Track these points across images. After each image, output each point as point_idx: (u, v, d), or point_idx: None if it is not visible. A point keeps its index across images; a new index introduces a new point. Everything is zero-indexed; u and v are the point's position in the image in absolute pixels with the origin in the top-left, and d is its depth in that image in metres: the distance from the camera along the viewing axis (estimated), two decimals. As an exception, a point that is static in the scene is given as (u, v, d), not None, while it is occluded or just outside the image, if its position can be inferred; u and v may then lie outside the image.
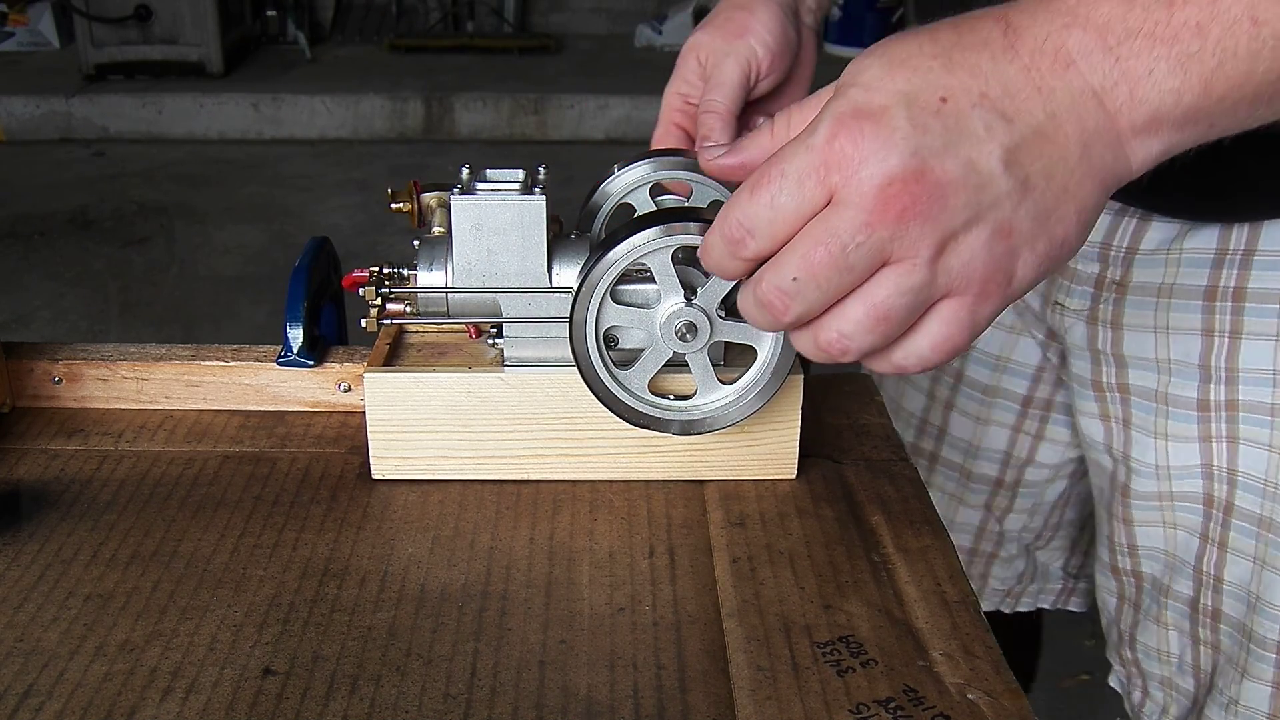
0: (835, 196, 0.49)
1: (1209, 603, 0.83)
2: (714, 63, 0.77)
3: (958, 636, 0.59)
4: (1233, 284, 0.77)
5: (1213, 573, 0.82)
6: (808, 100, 0.55)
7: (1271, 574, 0.79)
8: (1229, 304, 0.77)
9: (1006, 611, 1.08)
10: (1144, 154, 0.50)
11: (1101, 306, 0.84)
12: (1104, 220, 0.82)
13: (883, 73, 0.49)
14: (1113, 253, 0.82)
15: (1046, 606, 1.09)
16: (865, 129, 0.48)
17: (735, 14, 0.79)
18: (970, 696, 0.55)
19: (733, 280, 0.57)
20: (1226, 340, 0.78)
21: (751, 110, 0.78)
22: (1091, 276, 0.84)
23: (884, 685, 0.55)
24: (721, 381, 0.66)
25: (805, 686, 0.55)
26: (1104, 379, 0.86)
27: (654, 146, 0.78)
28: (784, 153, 0.50)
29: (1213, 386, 0.79)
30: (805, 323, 0.53)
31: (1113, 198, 0.83)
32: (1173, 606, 0.86)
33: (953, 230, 0.48)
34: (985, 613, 1.05)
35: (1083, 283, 0.85)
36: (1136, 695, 0.91)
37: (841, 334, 0.51)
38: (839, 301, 0.51)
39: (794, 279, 0.50)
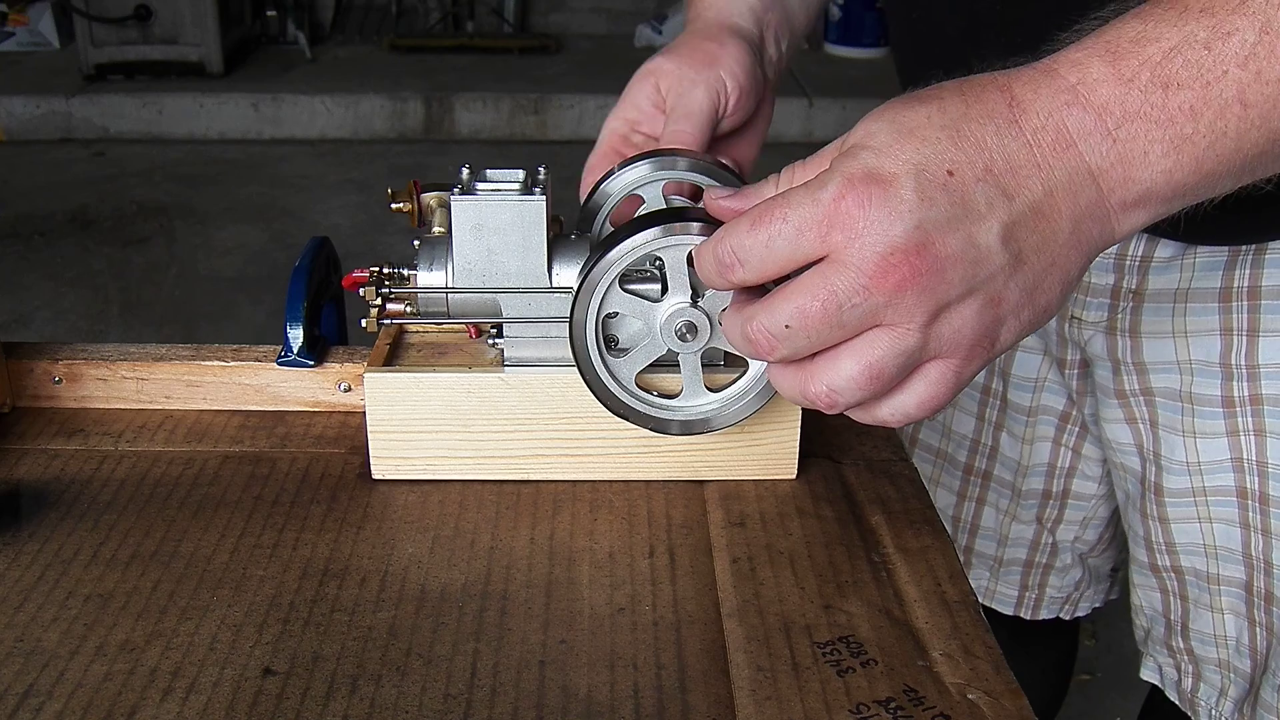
0: (834, 255, 0.50)
1: (1262, 586, 0.85)
2: (680, 91, 0.75)
3: (958, 636, 0.59)
4: (1246, 283, 0.78)
5: (1261, 557, 0.84)
6: (811, 159, 0.56)
7: None
8: (1244, 303, 0.78)
9: (1066, 618, 1.09)
10: (1129, 225, 0.52)
11: (1119, 316, 0.85)
12: None
13: (893, 139, 0.50)
14: (1128, 262, 0.83)
15: (1099, 605, 1.10)
16: (874, 195, 0.49)
17: (703, 44, 0.77)
18: (970, 696, 0.55)
19: (715, 290, 0.60)
20: (1245, 338, 0.79)
21: (711, 150, 0.76)
22: (1107, 288, 0.84)
23: (884, 685, 0.55)
24: (709, 388, 0.66)
25: (805, 686, 0.55)
26: (1126, 386, 0.86)
27: (589, 172, 0.77)
28: (790, 197, 0.51)
29: (1235, 384, 0.80)
30: (790, 364, 0.54)
31: None
32: (1226, 591, 0.87)
33: (948, 301, 0.51)
34: (1043, 620, 1.06)
35: (1099, 295, 0.85)
36: (1188, 682, 0.92)
37: (832, 389, 0.53)
38: (828, 355, 0.53)
39: (786, 326, 0.52)
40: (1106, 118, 0.49)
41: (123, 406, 0.78)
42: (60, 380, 0.78)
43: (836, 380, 0.53)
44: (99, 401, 0.78)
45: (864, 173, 0.50)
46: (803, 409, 0.70)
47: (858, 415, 0.56)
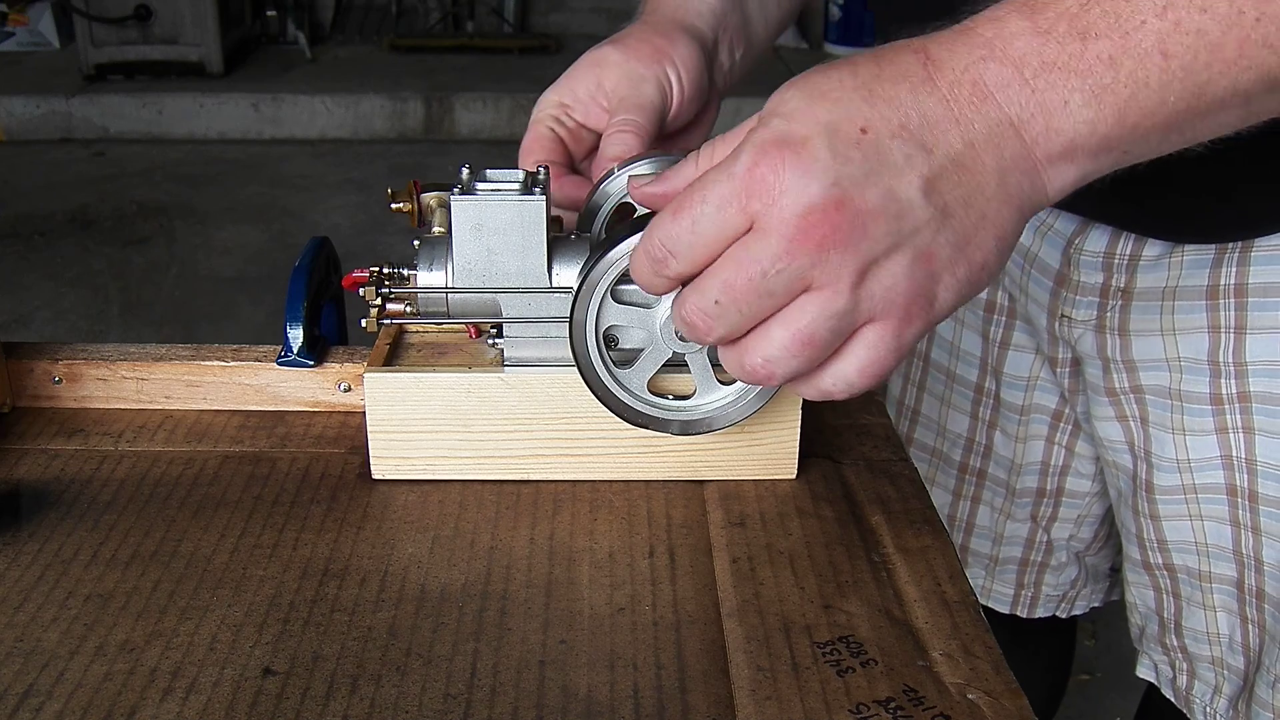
0: (756, 224, 0.50)
1: (1253, 583, 0.85)
2: (628, 85, 0.74)
3: (958, 636, 0.59)
4: (1233, 281, 0.78)
5: (1252, 555, 0.84)
6: (730, 133, 0.56)
7: None
8: (1231, 300, 0.78)
9: (1063, 616, 1.09)
10: (1060, 181, 0.52)
11: (1109, 315, 0.85)
12: (1105, 233, 0.83)
13: (805, 103, 0.50)
14: (1116, 261, 0.83)
15: (1098, 604, 1.10)
16: (786, 158, 0.49)
17: (653, 38, 0.76)
18: (970, 696, 0.55)
19: (659, 295, 0.59)
20: (1232, 335, 0.79)
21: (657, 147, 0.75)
22: (1096, 286, 0.85)
23: (884, 685, 0.55)
24: (721, 382, 0.66)
25: (805, 686, 0.55)
26: (1116, 384, 0.87)
27: (525, 154, 0.75)
28: (706, 178, 0.52)
29: (1223, 381, 0.80)
30: (732, 341, 0.54)
31: (1107, 223, 0.84)
32: (1218, 589, 0.87)
33: (874, 257, 0.50)
34: (1040, 619, 1.07)
35: (1088, 293, 0.85)
36: (1183, 680, 0.92)
37: (766, 359, 0.53)
38: (761, 326, 0.53)
39: (716, 301, 0.52)
40: (1024, 69, 0.49)
41: (123, 406, 0.78)
42: (60, 380, 0.78)
43: (770, 350, 0.52)
44: (99, 401, 0.78)
45: (776, 138, 0.50)
46: (802, 409, 0.70)
47: (802, 389, 0.55)
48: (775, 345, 0.52)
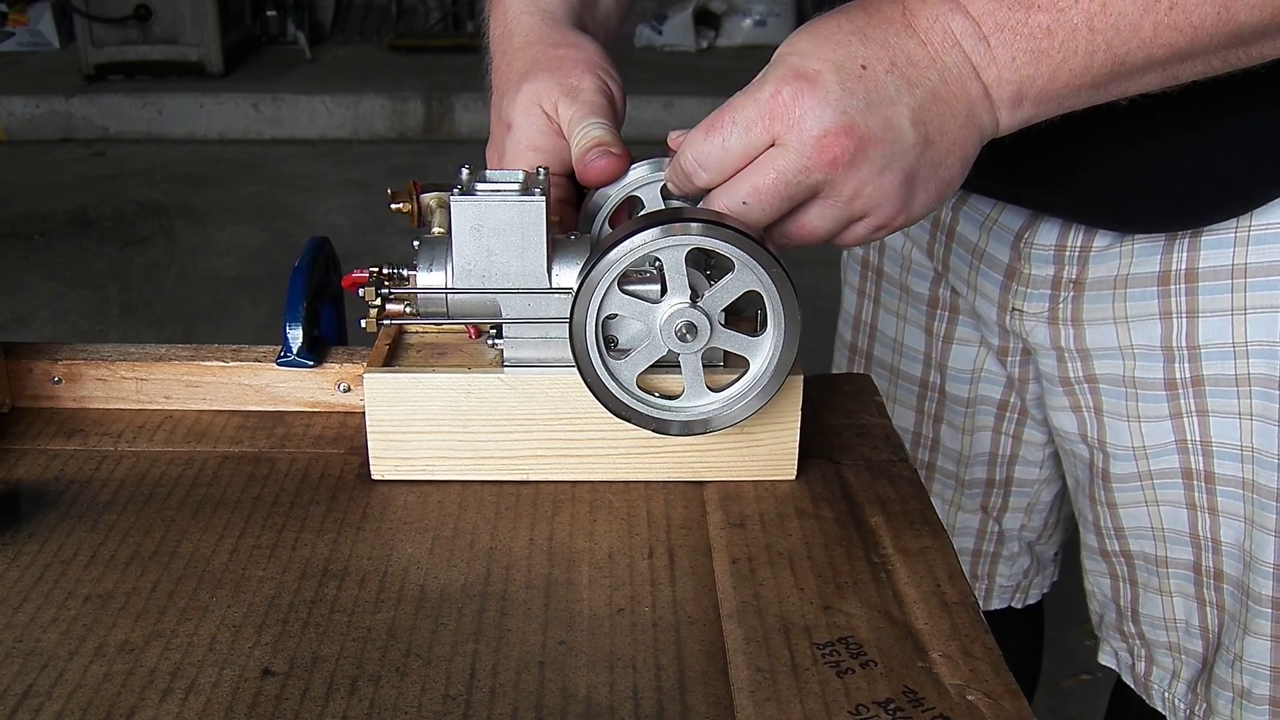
0: (778, 141, 0.60)
1: (1210, 564, 0.85)
2: (569, 99, 0.71)
3: (957, 638, 0.59)
4: (1184, 266, 0.79)
5: (1209, 536, 0.85)
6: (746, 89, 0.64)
7: (1261, 533, 0.81)
8: (1182, 285, 0.79)
9: (1018, 607, 1.10)
10: (1010, 120, 0.63)
11: (1061, 306, 0.86)
12: (1055, 225, 0.84)
13: (813, 44, 0.60)
14: (1068, 253, 0.84)
15: (1046, 591, 1.12)
16: (803, 88, 0.59)
17: (565, 50, 0.74)
18: (970, 698, 0.55)
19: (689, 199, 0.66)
20: (1184, 320, 0.80)
21: None
22: (1048, 279, 0.85)
23: (883, 686, 0.55)
24: (710, 388, 0.66)
25: (805, 688, 0.55)
26: (1070, 374, 0.87)
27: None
28: (733, 102, 0.61)
29: (1177, 365, 0.81)
30: None
31: (1057, 215, 0.86)
32: (1174, 575, 0.88)
33: (871, 176, 0.60)
34: (996, 610, 1.07)
35: (1039, 286, 0.86)
36: (1141, 666, 0.93)
37: (783, 233, 0.64)
38: (779, 223, 0.64)
39: (744, 202, 0.62)
40: (982, 25, 0.60)
41: (122, 406, 0.78)
42: (60, 380, 0.78)
43: (783, 240, 0.64)
44: (98, 402, 0.78)
45: (793, 72, 0.60)
46: (801, 409, 0.70)
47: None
48: (789, 238, 0.64)
